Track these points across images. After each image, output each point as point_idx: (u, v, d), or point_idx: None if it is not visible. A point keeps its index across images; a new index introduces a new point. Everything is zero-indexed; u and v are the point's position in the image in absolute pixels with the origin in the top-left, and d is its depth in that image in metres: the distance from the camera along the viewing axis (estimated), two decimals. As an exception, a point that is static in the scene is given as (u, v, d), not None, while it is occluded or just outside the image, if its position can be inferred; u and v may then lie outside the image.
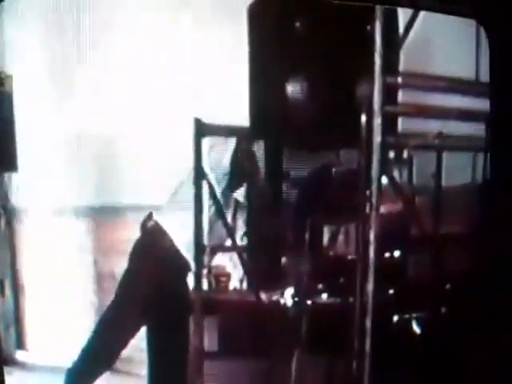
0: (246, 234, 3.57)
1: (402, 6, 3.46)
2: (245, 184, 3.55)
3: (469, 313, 3.69)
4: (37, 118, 3.29)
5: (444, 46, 3.58)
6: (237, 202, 3.60)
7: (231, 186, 3.57)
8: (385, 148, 3.51)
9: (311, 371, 3.52)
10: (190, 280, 3.50)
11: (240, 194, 3.58)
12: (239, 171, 3.54)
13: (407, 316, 3.73)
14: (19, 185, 3.13)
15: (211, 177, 3.48)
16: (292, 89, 3.49)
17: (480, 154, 3.80)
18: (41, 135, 3.33)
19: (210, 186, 3.46)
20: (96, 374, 3.50)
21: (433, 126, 3.75)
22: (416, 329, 3.73)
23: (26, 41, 3.34)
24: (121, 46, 3.29)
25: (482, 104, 3.72)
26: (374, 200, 3.51)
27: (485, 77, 3.78)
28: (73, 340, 3.51)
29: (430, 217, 3.74)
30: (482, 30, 3.68)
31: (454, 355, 3.60)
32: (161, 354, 3.53)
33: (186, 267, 3.53)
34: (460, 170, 3.81)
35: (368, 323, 3.53)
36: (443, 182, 3.76)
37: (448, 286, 3.80)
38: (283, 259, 3.56)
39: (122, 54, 3.34)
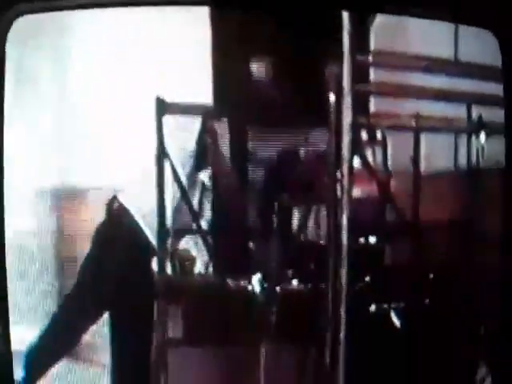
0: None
1: (389, 13, 3.35)
2: (210, 165, 3.47)
3: (454, 305, 3.54)
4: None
5: (420, 25, 3.45)
6: (203, 184, 3.50)
7: (197, 168, 3.48)
8: (356, 128, 3.41)
9: (281, 359, 3.39)
10: (155, 264, 3.42)
11: (206, 176, 3.49)
12: (204, 151, 3.45)
13: (385, 306, 3.58)
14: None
15: (175, 158, 3.41)
16: (257, 67, 3.41)
17: (463, 137, 3.67)
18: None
19: (174, 168, 3.39)
20: (55, 359, 3.42)
21: (411, 108, 3.63)
22: (395, 320, 3.58)
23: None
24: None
25: (461, 84, 3.60)
26: (345, 182, 3.39)
27: (464, 57, 3.65)
28: (35, 325, 3.44)
29: (410, 202, 3.60)
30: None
31: (436, 350, 3.44)
32: (123, 341, 3.43)
33: (151, 250, 3.45)
34: (442, 155, 3.66)
35: (342, 312, 3.40)
36: (424, 167, 3.62)
37: (431, 276, 3.66)
38: (250, 243, 3.45)
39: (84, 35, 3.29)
